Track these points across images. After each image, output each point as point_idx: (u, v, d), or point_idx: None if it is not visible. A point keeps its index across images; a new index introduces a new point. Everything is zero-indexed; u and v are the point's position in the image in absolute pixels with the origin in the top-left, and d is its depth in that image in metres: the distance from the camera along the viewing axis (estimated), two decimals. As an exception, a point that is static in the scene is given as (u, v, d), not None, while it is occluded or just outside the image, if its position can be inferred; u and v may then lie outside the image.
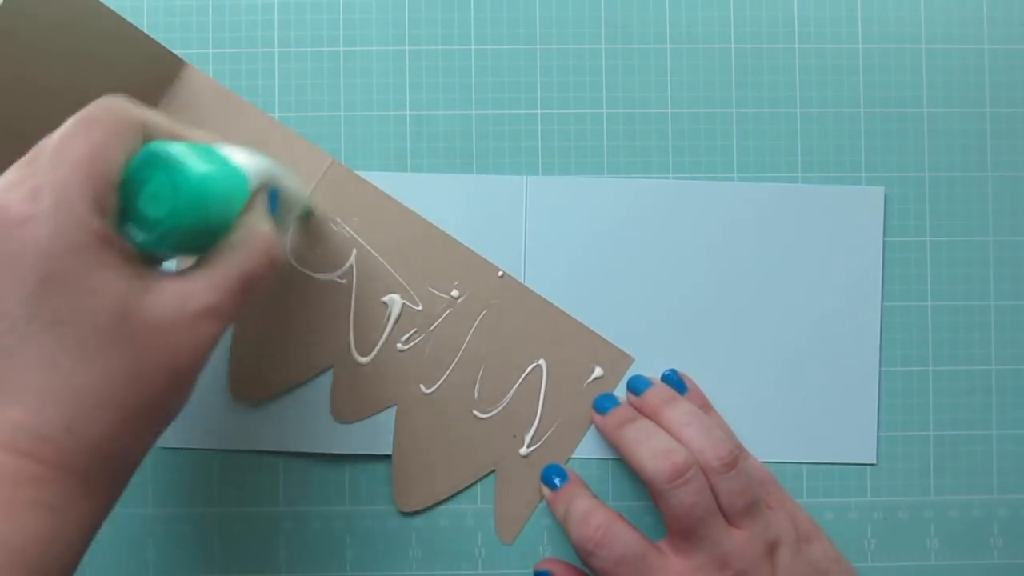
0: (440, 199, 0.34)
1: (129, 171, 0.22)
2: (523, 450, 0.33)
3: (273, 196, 0.26)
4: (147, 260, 0.22)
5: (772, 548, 0.29)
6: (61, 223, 0.20)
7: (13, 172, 0.21)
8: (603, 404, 0.33)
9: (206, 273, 0.22)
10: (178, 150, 0.22)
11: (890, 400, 0.34)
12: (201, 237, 0.23)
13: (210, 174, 0.22)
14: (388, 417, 0.33)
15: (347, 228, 0.33)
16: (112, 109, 0.22)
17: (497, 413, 0.33)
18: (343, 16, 0.34)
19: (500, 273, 0.34)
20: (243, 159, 0.25)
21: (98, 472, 0.21)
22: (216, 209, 0.22)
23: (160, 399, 0.22)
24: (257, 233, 0.24)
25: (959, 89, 0.35)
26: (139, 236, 0.21)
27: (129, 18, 0.31)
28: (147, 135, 0.22)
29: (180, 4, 0.34)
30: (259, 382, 0.33)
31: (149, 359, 0.21)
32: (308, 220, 0.33)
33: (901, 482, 0.34)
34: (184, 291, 0.22)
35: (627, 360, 0.34)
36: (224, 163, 0.23)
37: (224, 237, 0.23)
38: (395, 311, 0.33)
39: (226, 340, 0.33)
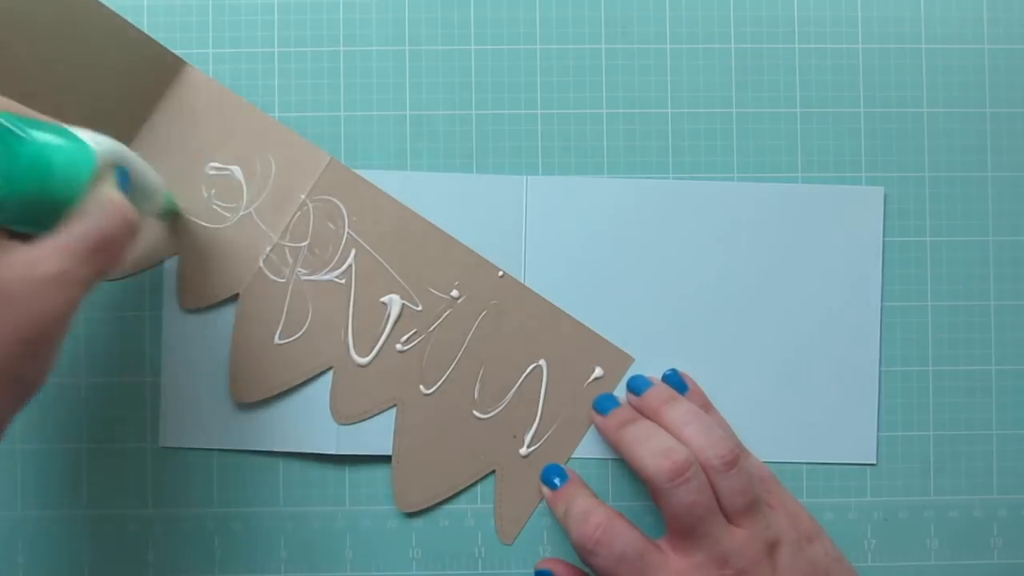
0: (440, 198, 0.34)
1: None
2: (523, 450, 0.33)
3: (123, 175, 0.26)
4: None
5: (772, 547, 0.29)
6: None
7: None
8: (603, 404, 0.33)
9: (54, 239, 0.22)
10: (15, 119, 0.22)
11: (890, 400, 0.34)
12: (45, 209, 0.22)
13: (49, 143, 0.22)
14: (388, 417, 0.33)
15: (345, 227, 0.33)
16: None
17: (497, 413, 0.33)
18: (343, 16, 0.34)
19: (500, 273, 0.34)
20: (88, 136, 0.24)
21: None
22: (59, 179, 0.22)
23: (14, 367, 0.22)
24: (106, 198, 0.24)
25: (959, 89, 0.35)
26: None
27: (129, 18, 0.31)
28: None
29: (180, 4, 0.34)
30: (258, 384, 0.33)
31: None
32: (177, 218, 0.33)
33: (901, 482, 0.34)
34: (32, 257, 0.22)
35: (627, 360, 0.34)
36: (68, 136, 0.23)
37: (72, 208, 0.23)
38: (394, 311, 0.33)
39: (226, 342, 0.33)
